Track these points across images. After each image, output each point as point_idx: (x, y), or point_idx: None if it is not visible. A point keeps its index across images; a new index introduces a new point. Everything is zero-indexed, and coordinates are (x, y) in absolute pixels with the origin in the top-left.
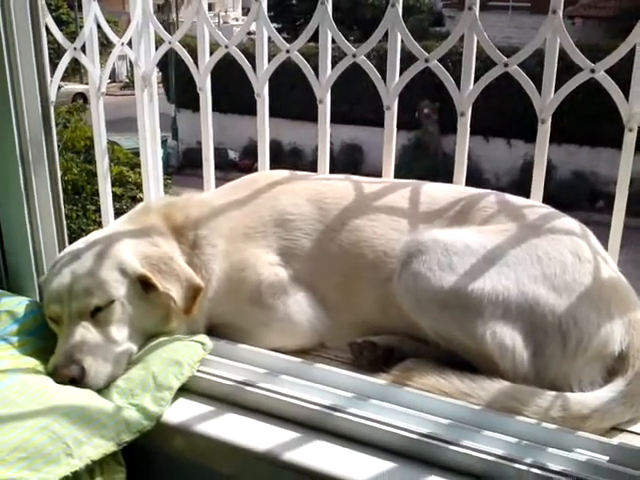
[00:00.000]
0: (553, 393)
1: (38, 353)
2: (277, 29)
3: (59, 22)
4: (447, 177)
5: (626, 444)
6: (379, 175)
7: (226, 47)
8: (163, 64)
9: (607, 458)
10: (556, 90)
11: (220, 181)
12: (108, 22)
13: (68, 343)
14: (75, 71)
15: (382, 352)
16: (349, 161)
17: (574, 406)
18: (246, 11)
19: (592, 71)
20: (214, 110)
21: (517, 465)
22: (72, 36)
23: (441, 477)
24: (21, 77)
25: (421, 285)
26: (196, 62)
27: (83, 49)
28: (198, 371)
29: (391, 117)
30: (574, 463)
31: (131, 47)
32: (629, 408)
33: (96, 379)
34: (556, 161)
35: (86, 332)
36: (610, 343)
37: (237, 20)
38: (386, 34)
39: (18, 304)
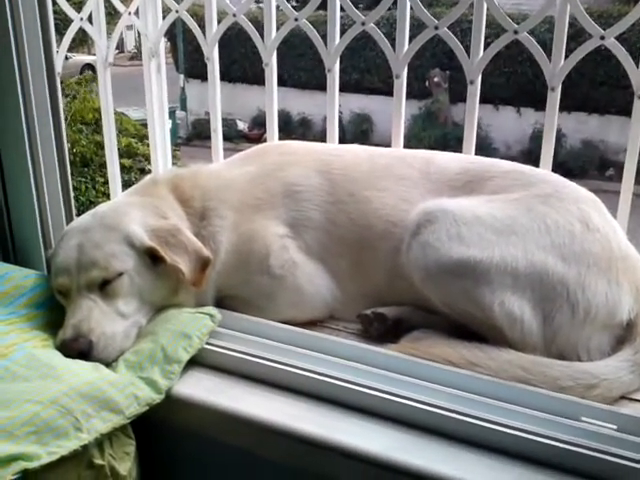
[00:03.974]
0: (561, 362)
1: (46, 327)
2: None
3: None
4: (457, 146)
5: (635, 413)
6: (389, 145)
7: (234, 15)
8: (171, 33)
9: (615, 427)
10: (566, 57)
11: (229, 152)
12: None
13: (76, 316)
14: (83, 42)
15: (391, 323)
16: (359, 131)
17: (582, 375)
18: None
19: (602, 38)
20: (223, 80)
21: (525, 435)
22: (79, 6)
23: (447, 447)
24: (27, 48)
25: (430, 255)
26: (204, 31)
27: (90, 19)
28: (207, 343)
29: (400, 86)
30: (582, 432)
31: (138, 16)
32: (638, 377)
33: (104, 352)
34: (566, 129)
35: (94, 305)
36: (618, 312)
37: None
38: (395, 1)
39: (26, 277)
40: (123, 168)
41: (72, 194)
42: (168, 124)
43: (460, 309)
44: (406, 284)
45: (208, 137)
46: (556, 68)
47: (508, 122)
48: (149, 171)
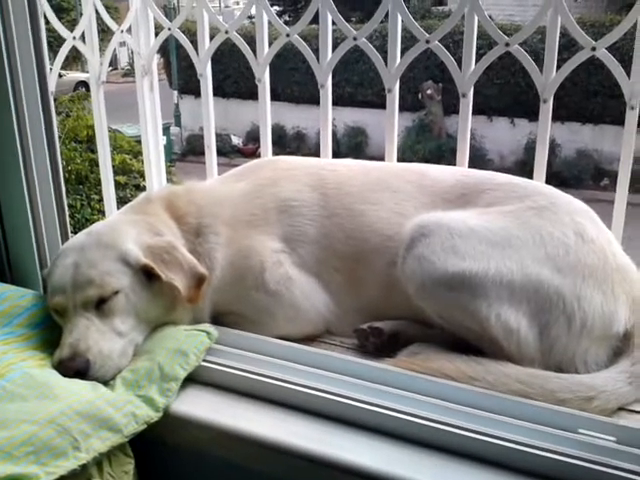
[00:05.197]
0: (558, 375)
1: (43, 346)
2: (278, 12)
3: (60, 10)
4: (452, 158)
5: (633, 424)
6: (383, 157)
7: (226, 32)
8: (165, 50)
9: (614, 439)
10: (559, 66)
11: (224, 167)
12: (108, 8)
13: (72, 336)
14: (77, 59)
15: (387, 337)
16: (353, 143)
17: (580, 387)
18: None
19: (593, 49)
20: (216, 95)
21: (523, 448)
22: (73, 23)
23: (446, 461)
24: (20, 67)
25: (425, 269)
26: (197, 47)
27: (83, 37)
28: (204, 361)
29: (393, 99)
30: (581, 445)
31: (131, 34)
32: (635, 388)
33: (101, 371)
34: (560, 139)
35: (90, 324)
36: (615, 323)
37: (238, 4)
38: (387, 15)
39: (22, 297)
40: (118, 185)
41: (67, 212)
42: (162, 140)
43: (456, 322)
44: (402, 298)
45: (203, 152)
46: (548, 80)
47: (502, 133)
48: (144, 187)
